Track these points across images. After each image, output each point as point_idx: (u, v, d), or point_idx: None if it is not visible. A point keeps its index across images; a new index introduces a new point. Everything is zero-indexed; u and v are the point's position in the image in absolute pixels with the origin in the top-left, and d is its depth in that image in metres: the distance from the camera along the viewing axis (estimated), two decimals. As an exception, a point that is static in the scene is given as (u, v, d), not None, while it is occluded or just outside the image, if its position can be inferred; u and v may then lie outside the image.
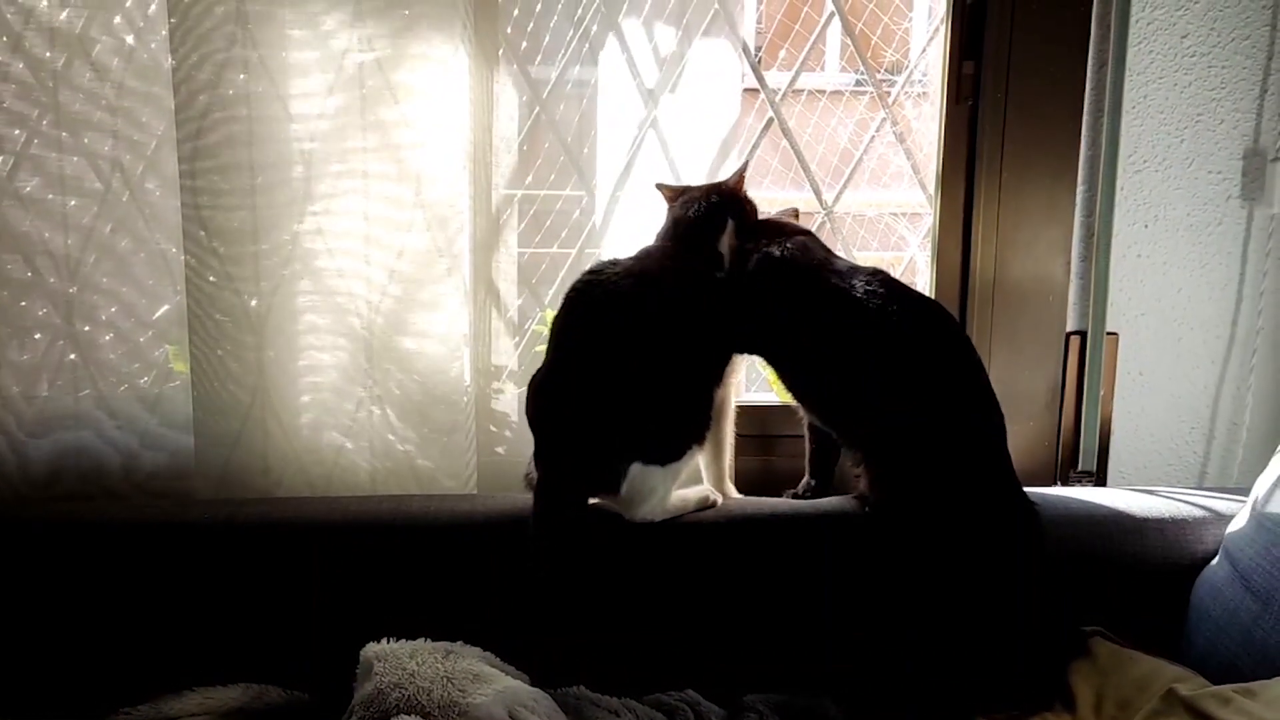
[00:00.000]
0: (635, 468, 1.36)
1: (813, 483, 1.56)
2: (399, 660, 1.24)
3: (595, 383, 1.36)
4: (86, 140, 1.55)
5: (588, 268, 1.44)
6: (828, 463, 1.55)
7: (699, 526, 1.43)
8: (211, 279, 1.54)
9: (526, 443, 1.46)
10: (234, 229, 1.53)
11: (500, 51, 1.63)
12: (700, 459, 1.48)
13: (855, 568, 1.42)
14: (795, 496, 1.56)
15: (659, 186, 1.56)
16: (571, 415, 1.37)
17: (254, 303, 1.54)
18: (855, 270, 1.43)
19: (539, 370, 1.42)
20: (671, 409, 1.38)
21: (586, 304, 1.40)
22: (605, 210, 1.69)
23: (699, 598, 1.42)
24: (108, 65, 1.54)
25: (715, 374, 1.45)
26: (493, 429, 1.66)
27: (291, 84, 1.51)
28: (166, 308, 1.60)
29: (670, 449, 1.38)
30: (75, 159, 1.55)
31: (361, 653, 1.26)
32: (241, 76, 1.50)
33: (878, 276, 1.41)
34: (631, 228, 1.68)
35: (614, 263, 1.44)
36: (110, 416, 1.61)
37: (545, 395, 1.40)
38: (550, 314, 1.82)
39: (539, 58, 1.67)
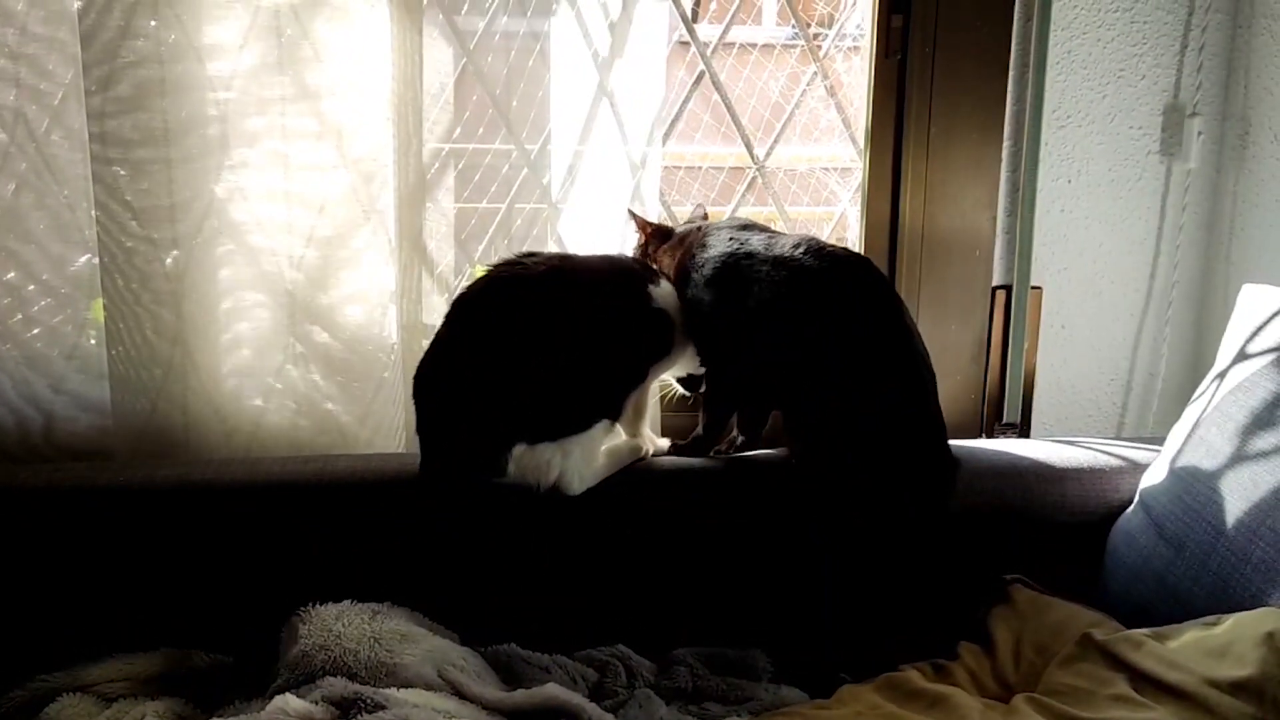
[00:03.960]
0: (519, 449, 1.33)
1: (740, 439, 1.56)
2: (325, 622, 1.23)
3: (478, 363, 1.34)
4: (-11, 88, 1.48)
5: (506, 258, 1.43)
6: (758, 420, 1.55)
7: (625, 483, 1.44)
8: (125, 237, 1.48)
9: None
10: (148, 184, 1.47)
11: (424, 1, 1.59)
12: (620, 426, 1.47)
13: (779, 520, 1.43)
14: (719, 453, 1.54)
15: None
16: (448, 393, 1.35)
17: (170, 261, 1.49)
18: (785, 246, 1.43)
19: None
20: (564, 395, 1.35)
21: (494, 287, 1.38)
22: (538, 165, 1.66)
23: (629, 554, 1.43)
24: (10, 9, 1.46)
25: (634, 378, 1.44)
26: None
27: (205, 32, 1.46)
28: (77, 266, 1.54)
29: (563, 424, 1.35)
30: (-22, 108, 1.48)
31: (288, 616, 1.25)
32: (153, 23, 1.44)
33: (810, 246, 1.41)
34: (577, 186, 1.65)
35: (534, 254, 1.43)
36: (24, 379, 1.55)
37: (425, 371, 1.38)
38: (480, 270, 1.80)
39: (466, 7, 1.63)
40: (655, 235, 1.57)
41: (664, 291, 1.46)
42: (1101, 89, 1.75)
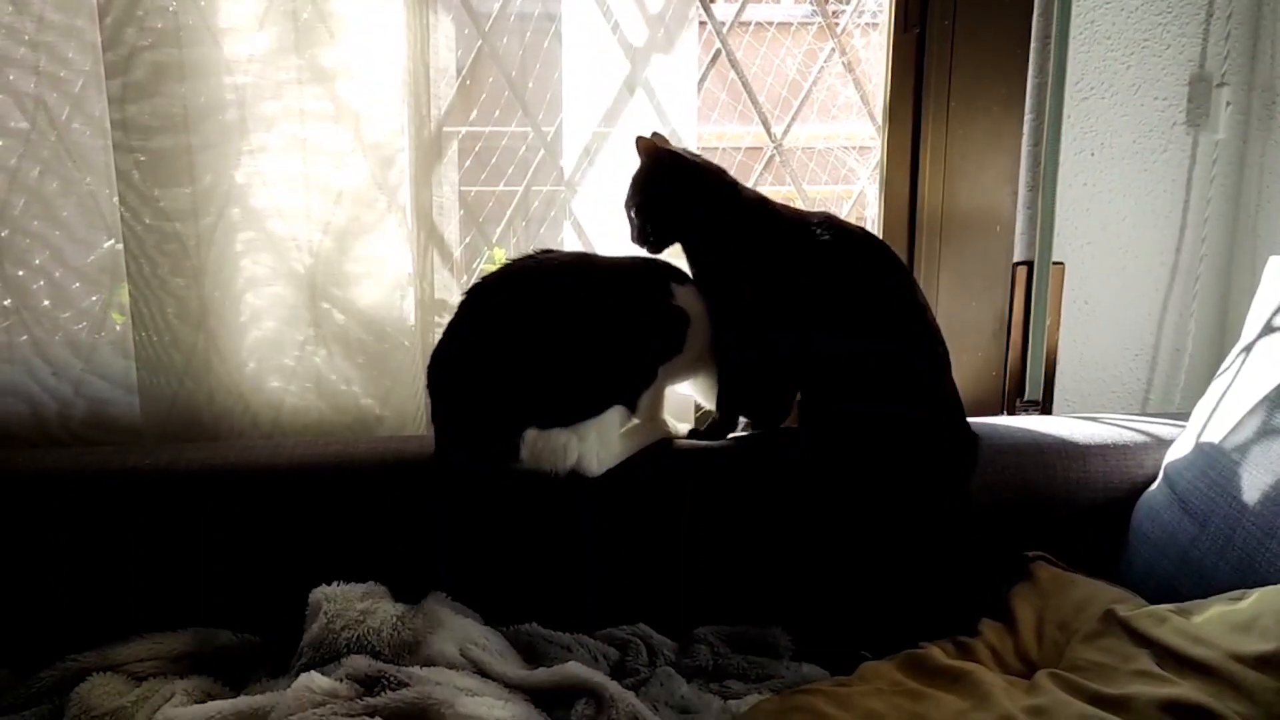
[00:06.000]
0: (532, 434, 1.32)
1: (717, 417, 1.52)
2: (349, 602, 1.25)
3: (488, 350, 1.34)
4: (12, 78, 1.49)
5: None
6: (779, 408, 1.52)
7: (644, 463, 1.43)
8: (147, 221, 1.50)
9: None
10: (167, 170, 1.48)
11: (439, -17, 1.59)
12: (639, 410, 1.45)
13: (799, 499, 1.43)
14: (695, 434, 1.51)
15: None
16: (459, 380, 1.36)
17: (192, 245, 1.51)
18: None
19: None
20: (574, 381, 1.35)
21: (508, 277, 1.39)
22: (570, 150, 1.65)
23: (649, 533, 1.43)
24: (28, -1, 1.48)
25: (645, 373, 1.42)
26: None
27: (221, 16, 1.46)
28: (101, 252, 1.56)
29: (575, 409, 1.34)
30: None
31: (310, 595, 1.26)
32: (171, 8, 1.44)
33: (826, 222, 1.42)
34: (602, 170, 1.64)
35: (550, 251, 1.44)
36: (47, 364, 1.57)
37: (438, 358, 1.39)
38: (499, 252, 1.80)
39: (481, -11, 1.63)
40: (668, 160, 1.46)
41: (689, 292, 1.44)
42: (1125, 59, 1.73)
